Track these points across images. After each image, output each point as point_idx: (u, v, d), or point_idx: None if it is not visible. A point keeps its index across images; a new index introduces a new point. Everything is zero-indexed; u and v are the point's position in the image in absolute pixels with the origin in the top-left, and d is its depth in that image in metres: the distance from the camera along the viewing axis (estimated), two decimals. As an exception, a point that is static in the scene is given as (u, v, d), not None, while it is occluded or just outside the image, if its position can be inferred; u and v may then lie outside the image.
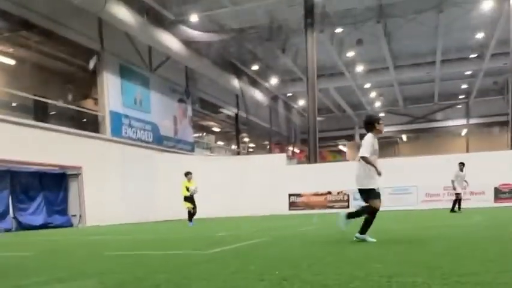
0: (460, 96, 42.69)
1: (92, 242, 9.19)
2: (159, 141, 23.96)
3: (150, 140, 23.17)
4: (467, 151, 41.54)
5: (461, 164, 15.27)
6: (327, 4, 23.40)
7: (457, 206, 15.35)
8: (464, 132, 45.67)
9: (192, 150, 27.60)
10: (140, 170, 20.19)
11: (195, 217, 14.47)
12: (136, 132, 22.13)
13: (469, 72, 34.86)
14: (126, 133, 21.34)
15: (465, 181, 15.38)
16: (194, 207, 14.24)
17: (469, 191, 19.58)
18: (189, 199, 14.16)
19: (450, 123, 45.13)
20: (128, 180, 19.33)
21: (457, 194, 15.34)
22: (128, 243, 8.54)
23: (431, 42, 28.15)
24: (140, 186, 19.73)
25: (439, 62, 30.34)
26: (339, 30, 26.11)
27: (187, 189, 14.08)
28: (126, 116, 21.48)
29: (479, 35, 27.92)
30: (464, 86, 39.85)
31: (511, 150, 20.36)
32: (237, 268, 4.10)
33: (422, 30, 26.26)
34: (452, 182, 15.35)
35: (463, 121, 44.59)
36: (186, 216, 14.50)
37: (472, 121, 44.08)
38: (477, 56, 30.79)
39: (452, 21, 24.74)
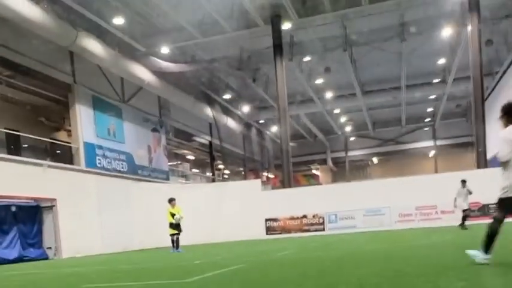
0: (426, 119, 44.14)
1: (67, 274, 8.99)
2: (134, 171, 23.89)
3: (125, 169, 23.09)
4: (436, 171, 42.80)
5: (463, 182, 15.66)
6: (294, 34, 24.22)
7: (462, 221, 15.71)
8: (432, 153, 47.04)
9: (167, 178, 27.60)
10: (116, 199, 20.06)
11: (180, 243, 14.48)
12: (111, 162, 22.04)
13: (433, 96, 36.19)
14: (100, 164, 21.25)
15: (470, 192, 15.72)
16: (178, 234, 14.25)
17: (440, 210, 20.27)
18: (174, 226, 14.18)
19: (418, 145, 46.40)
20: (104, 210, 19.19)
21: (464, 210, 15.70)
22: (105, 274, 8.44)
23: (396, 68, 29.24)
24: (116, 215, 19.58)
25: (405, 87, 31.41)
26: (307, 58, 26.94)
27: (172, 216, 14.08)
28: (100, 147, 21.43)
29: (441, 61, 29.24)
30: (429, 109, 41.29)
31: (478, 170, 21.05)
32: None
33: (387, 57, 27.35)
34: (455, 199, 15.77)
35: (430, 143, 45.94)
36: (166, 244, 14.48)
37: (439, 143, 45.46)
38: (440, 81, 32.08)
39: (414, 48, 25.89)
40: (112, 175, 21.73)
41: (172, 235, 14.33)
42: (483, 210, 19.84)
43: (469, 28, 21.16)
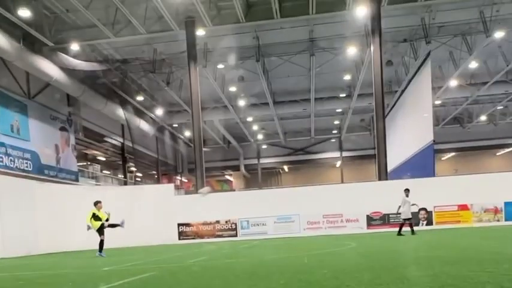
0: (334, 131, 46.58)
1: None
2: (40, 171, 22.85)
3: (30, 169, 21.89)
4: (342, 181, 45.50)
5: (407, 190, 16.28)
6: (208, 41, 24.51)
7: (402, 229, 16.18)
8: (338, 163, 49.84)
9: (77, 179, 26.71)
10: (19, 200, 18.59)
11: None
12: (14, 160, 20.66)
13: (340, 110, 38.26)
14: (2, 162, 20.07)
15: (414, 204, 16.30)
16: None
17: (345, 219, 21.56)
18: (102, 229, 13.69)
19: (326, 155, 48.77)
20: (4, 211, 17.63)
21: (408, 219, 16.16)
22: (4, 282, 7.90)
23: (306, 81, 30.50)
24: (19, 217, 18.11)
25: (313, 100, 32.84)
26: (221, 66, 27.37)
27: (97, 218, 13.54)
28: (2, 144, 20.18)
29: (347, 77, 30.92)
30: (336, 122, 43.71)
31: (379, 182, 22.63)
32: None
33: (298, 69, 28.51)
34: (399, 207, 16.26)
35: (337, 154, 48.43)
36: (74, 247, 13.77)
37: (345, 154, 48.11)
38: (346, 96, 33.99)
39: (323, 64, 27.30)
40: (15, 174, 20.53)
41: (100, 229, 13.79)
42: (384, 219, 21.20)
43: (372, 49, 22.76)
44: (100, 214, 13.89)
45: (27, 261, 13.42)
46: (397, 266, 6.28)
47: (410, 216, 16.35)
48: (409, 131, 28.42)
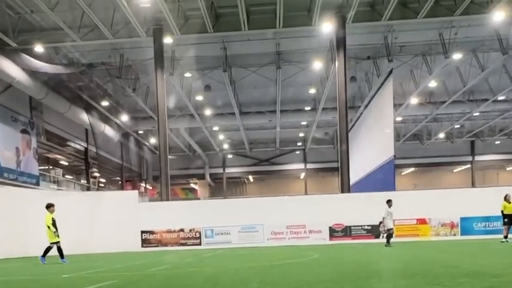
0: (298, 143, 47.15)
1: None
2: None
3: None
4: (306, 193, 46.13)
5: (390, 201, 16.40)
6: (175, 49, 24.59)
7: (387, 240, 16.45)
8: (302, 175, 50.46)
9: (37, 183, 26.08)
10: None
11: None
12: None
13: (304, 123, 38.86)
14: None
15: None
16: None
17: (308, 230, 21.86)
18: (58, 233, 13.46)
19: (291, 166, 49.32)
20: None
21: (389, 229, 16.38)
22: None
23: (272, 93, 30.88)
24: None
25: (279, 112, 33.26)
26: (188, 74, 27.46)
27: (54, 223, 13.34)
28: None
29: (312, 91, 31.49)
30: (301, 134, 44.30)
31: (342, 194, 22.91)
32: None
33: (264, 81, 28.87)
34: (383, 218, 16.41)
35: (301, 165, 49.04)
36: (34, 253, 13.38)
37: (309, 166, 48.74)
38: (311, 109, 34.48)
39: (289, 77, 27.73)
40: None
41: (55, 243, 13.46)
42: (346, 231, 21.48)
43: (336, 64, 23.25)
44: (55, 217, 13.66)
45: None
46: (359, 278, 6.45)
47: (392, 227, 16.69)
48: (371, 146, 29.09)
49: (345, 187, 22.93)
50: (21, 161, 24.51)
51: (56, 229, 13.55)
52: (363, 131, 31.80)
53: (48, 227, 13.49)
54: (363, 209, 18.87)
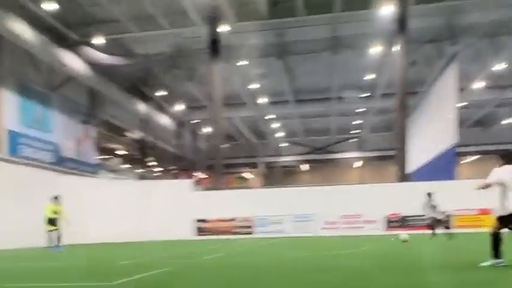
0: (354, 131, 46.16)
1: None
2: (61, 163, 23.14)
3: (51, 160, 22.09)
4: (361, 182, 44.98)
5: (430, 194, 15.73)
6: (231, 38, 24.42)
7: (433, 231, 15.68)
8: (358, 164, 49.28)
9: (96, 172, 26.86)
10: (39, 191, 18.82)
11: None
12: (36, 152, 20.97)
13: (361, 110, 37.88)
14: (24, 153, 20.25)
15: (434, 207, 15.56)
16: (57, 230, 13.86)
17: (364, 220, 21.23)
18: (53, 221, 13.80)
19: (345, 155, 48.29)
20: (24, 202, 17.94)
21: (432, 219, 15.75)
22: (27, 272, 8.00)
23: (328, 80, 30.33)
24: (38, 208, 18.37)
25: (335, 99, 32.67)
26: (243, 62, 27.26)
27: (54, 213, 13.70)
28: (25, 135, 20.43)
29: (370, 77, 30.57)
30: (357, 122, 43.26)
31: (399, 183, 22.26)
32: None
33: (320, 68, 28.31)
34: (424, 211, 15.87)
35: (356, 154, 47.98)
36: (94, 240, 13.80)
37: (365, 154, 47.63)
38: (368, 95, 33.60)
39: (346, 62, 27.08)
40: (36, 165, 20.65)
41: (50, 231, 13.85)
42: (402, 221, 20.78)
43: (397, 48, 22.40)
44: (56, 208, 14.01)
45: (47, 252, 13.60)
46: (417, 270, 6.18)
47: (435, 216, 15.87)
48: (432, 133, 27.91)
49: (403, 176, 22.07)
50: (80, 150, 25.40)
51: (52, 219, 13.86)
52: (423, 117, 30.48)
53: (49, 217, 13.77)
54: (421, 198, 17.94)
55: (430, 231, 15.91)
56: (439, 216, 15.85)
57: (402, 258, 8.48)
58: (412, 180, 25.34)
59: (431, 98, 28.46)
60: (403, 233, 14.07)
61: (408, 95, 24.21)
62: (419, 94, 31.42)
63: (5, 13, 17.33)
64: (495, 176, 6.48)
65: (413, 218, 20.52)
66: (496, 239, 6.21)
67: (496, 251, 6.18)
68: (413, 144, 25.46)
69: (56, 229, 13.71)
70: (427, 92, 29.40)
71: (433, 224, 15.88)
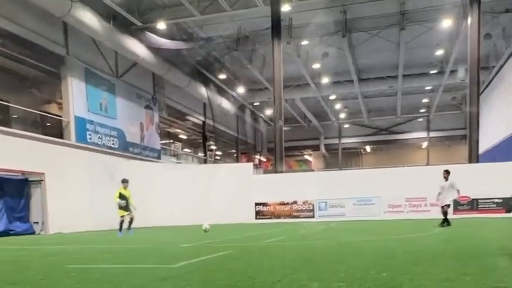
0: (421, 110, 44.12)
1: (52, 252, 8.73)
2: (125, 148, 23.72)
3: (116, 146, 22.91)
4: (428, 163, 43.03)
5: (446, 172, 13.82)
6: (293, 17, 23.86)
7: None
8: (425, 144, 47.17)
9: (159, 157, 27.49)
10: (106, 176, 19.74)
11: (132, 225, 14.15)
12: (102, 138, 21.83)
13: (429, 87, 36.14)
14: (91, 139, 21.00)
15: (457, 190, 13.43)
16: (129, 215, 13.87)
17: (429, 203, 20.19)
18: (124, 207, 13.77)
19: (412, 135, 46.53)
20: (93, 186, 18.85)
21: (442, 207, 13.68)
22: (90, 254, 8.29)
23: (394, 57, 29.03)
24: (105, 193, 19.29)
25: (401, 77, 31.27)
26: (305, 42, 26.62)
27: (121, 197, 13.68)
28: (91, 122, 21.21)
29: (439, 52, 29.06)
30: (425, 100, 41.26)
31: (469, 164, 21.03)
32: (204, 286, 4.05)
33: (386, 45, 27.15)
34: (439, 194, 13.78)
35: (423, 134, 46.03)
36: (156, 223, 14.11)
37: (433, 134, 45.59)
38: (437, 72, 31.95)
39: (413, 38, 25.68)
40: (102, 151, 21.42)
41: (122, 217, 13.83)
42: (472, 205, 19.87)
43: (469, 21, 20.92)
44: (125, 192, 13.88)
45: (113, 235, 14.13)
46: (485, 254, 5.77)
47: (449, 203, 13.70)
48: (505, 111, 25.94)
49: (474, 157, 21.14)
50: (144, 135, 25.84)
51: (125, 204, 13.74)
52: (497, 95, 28.33)
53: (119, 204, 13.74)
54: (492, 180, 16.82)
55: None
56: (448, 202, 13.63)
57: (473, 242, 8.00)
58: (481, 162, 23.73)
59: (506, 73, 26.37)
60: (206, 224, 13.12)
61: (481, 70, 22.68)
62: (493, 69, 29.25)
63: (72, 2, 17.96)
64: None
65: (485, 200, 19.56)
66: None
67: None
68: (484, 124, 23.72)
69: (128, 213, 13.91)
70: (502, 66, 27.23)
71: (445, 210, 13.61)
